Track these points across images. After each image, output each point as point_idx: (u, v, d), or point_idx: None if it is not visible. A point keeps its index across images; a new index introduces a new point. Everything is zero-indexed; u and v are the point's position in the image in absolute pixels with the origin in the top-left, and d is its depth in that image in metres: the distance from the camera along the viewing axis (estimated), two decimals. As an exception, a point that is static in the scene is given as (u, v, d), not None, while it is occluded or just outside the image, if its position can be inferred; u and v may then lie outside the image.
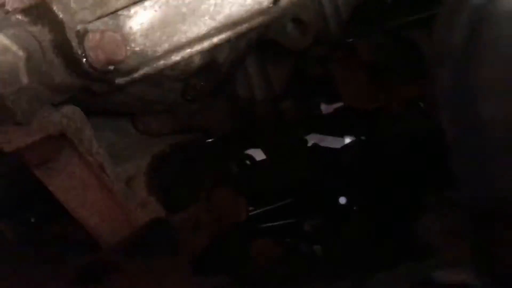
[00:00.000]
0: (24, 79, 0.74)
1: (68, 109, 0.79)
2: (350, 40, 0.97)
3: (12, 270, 0.81)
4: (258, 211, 1.50)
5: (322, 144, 1.30)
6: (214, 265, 0.81)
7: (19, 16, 0.71)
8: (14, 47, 0.73)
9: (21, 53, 0.73)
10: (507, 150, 0.38)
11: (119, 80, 0.76)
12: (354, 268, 0.98)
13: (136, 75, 0.77)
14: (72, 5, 0.70)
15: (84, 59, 0.71)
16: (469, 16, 0.38)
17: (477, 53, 0.38)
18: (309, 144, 1.27)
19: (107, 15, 0.72)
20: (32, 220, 1.33)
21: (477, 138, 0.40)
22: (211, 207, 0.90)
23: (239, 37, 0.84)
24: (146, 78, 0.79)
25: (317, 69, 1.01)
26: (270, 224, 1.45)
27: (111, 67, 0.74)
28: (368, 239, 1.03)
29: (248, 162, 1.60)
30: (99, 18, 0.71)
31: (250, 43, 0.89)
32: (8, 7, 0.71)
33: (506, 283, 0.38)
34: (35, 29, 0.72)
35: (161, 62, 0.78)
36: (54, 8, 0.70)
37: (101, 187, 0.86)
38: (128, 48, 0.74)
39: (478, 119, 0.39)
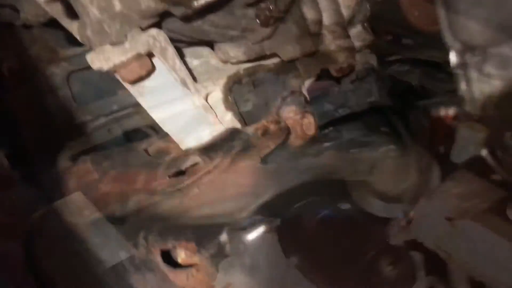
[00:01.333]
0: (117, 6, 0.87)
1: (153, 31, 0.91)
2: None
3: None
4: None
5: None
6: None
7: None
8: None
9: (113, -16, 0.86)
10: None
11: (195, 4, 0.86)
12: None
13: (210, -1, 0.87)
14: None
15: (163, -15, 0.82)
16: None
17: None
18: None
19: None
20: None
21: None
22: (280, 120, 0.99)
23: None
24: (220, 2, 0.88)
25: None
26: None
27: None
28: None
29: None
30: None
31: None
32: None
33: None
34: None
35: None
36: None
37: (185, 100, 0.98)
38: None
39: None
